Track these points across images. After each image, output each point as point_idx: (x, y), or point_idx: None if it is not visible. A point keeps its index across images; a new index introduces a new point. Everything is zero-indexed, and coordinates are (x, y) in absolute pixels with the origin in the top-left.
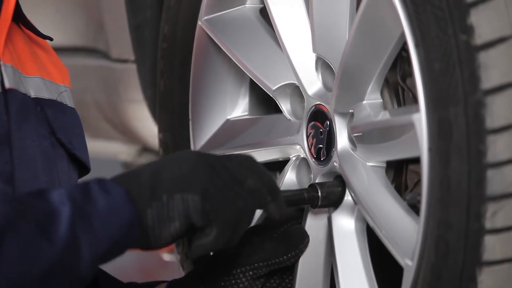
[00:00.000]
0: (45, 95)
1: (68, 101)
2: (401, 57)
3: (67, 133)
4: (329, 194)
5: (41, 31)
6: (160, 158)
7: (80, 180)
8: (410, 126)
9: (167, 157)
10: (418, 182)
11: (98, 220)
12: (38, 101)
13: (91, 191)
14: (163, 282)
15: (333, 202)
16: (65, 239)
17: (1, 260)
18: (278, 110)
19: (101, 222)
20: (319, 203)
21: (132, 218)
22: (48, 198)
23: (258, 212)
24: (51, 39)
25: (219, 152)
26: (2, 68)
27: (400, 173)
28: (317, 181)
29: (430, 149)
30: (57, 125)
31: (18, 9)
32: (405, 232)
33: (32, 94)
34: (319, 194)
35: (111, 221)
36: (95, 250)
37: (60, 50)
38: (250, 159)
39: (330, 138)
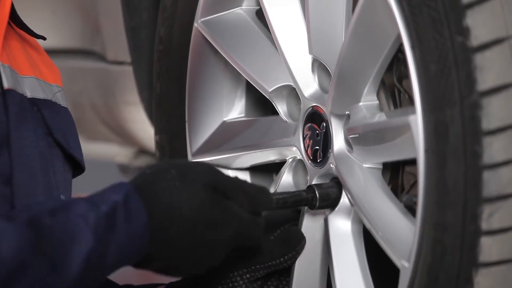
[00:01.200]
0: (41, 95)
1: (61, 101)
2: (397, 59)
3: (63, 133)
4: (327, 195)
5: (38, 33)
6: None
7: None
8: (406, 128)
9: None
10: (414, 184)
11: (115, 252)
12: (34, 101)
13: (117, 220)
14: (160, 284)
15: (330, 203)
16: (78, 273)
17: None
18: (274, 112)
19: (118, 253)
20: (317, 204)
21: (145, 251)
22: (69, 220)
23: None
24: (44, 39)
25: (215, 154)
26: (1, 69)
27: (396, 175)
28: (313, 182)
29: (427, 151)
30: (53, 125)
31: (11, 8)
32: (401, 233)
33: (28, 95)
34: (317, 195)
35: (128, 251)
36: (105, 275)
37: (57, 53)
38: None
39: (326, 140)
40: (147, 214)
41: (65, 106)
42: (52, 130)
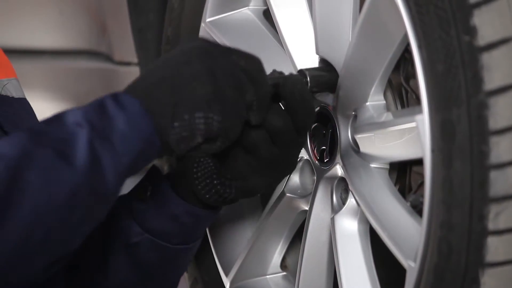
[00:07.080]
0: None
1: (14, 92)
2: (404, 58)
3: (16, 125)
4: (318, 79)
5: (45, 34)
6: (170, 59)
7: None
8: (413, 128)
9: (177, 58)
10: (422, 184)
11: (118, 137)
12: None
13: (107, 109)
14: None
15: (323, 87)
16: (86, 160)
17: (25, 189)
18: None
19: (121, 139)
20: (308, 86)
21: (152, 132)
22: (63, 122)
23: None
24: None
25: None
26: None
27: (404, 175)
28: (319, 182)
29: (433, 151)
30: (4, 119)
31: None
32: (408, 233)
33: None
34: (308, 78)
35: (131, 137)
36: (118, 168)
37: (63, 53)
38: (257, 66)
39: (333, 140)
40: (139, 101)
41: (20, 97)
42: (2, 124)
